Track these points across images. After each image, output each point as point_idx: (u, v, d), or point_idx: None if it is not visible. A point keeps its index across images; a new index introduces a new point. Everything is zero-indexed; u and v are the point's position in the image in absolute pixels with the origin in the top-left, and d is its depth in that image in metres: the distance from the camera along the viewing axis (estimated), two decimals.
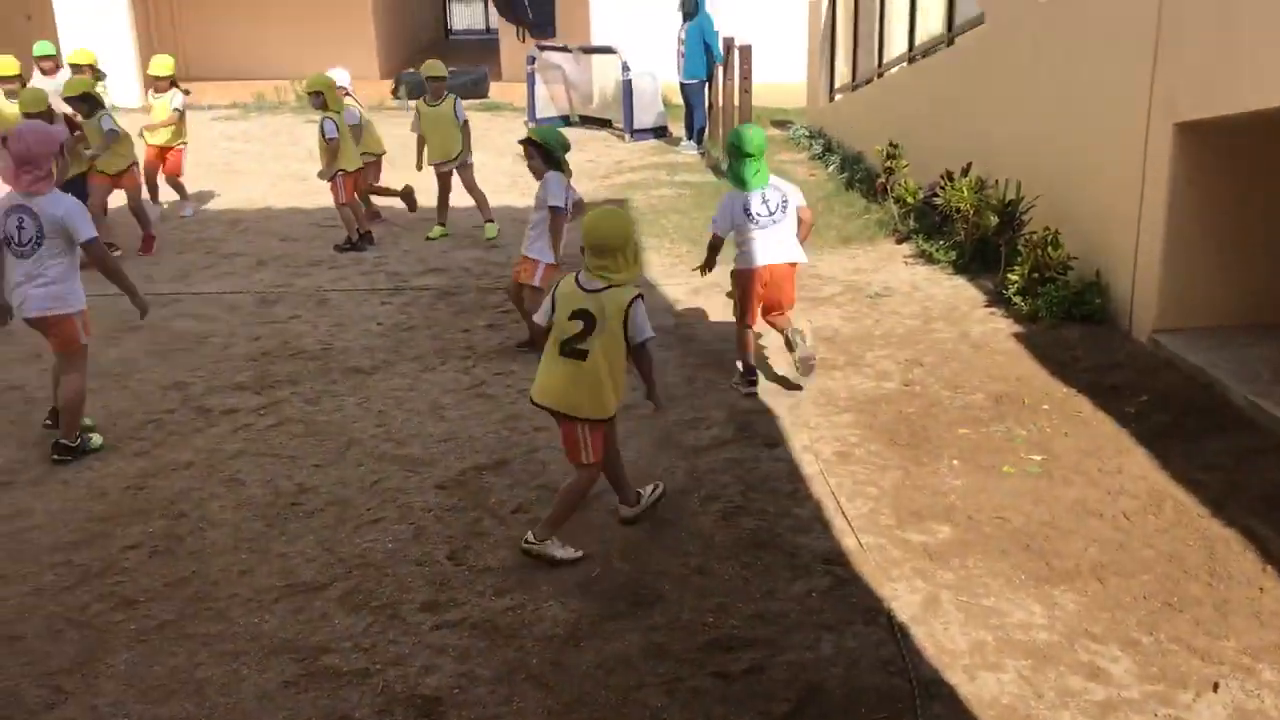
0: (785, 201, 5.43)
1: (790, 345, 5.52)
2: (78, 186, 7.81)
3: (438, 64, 8.72)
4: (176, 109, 9.23)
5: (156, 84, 9.23)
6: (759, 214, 5.39)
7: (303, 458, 4.95)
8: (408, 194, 9.27)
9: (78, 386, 5.00)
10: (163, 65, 9.24)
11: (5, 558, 4.12)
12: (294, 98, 15.81)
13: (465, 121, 8.59)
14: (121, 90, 15.87)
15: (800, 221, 5.50)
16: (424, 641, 3.58)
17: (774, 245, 5.40)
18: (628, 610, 3.73)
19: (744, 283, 5.51)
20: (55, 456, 4.94)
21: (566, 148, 6.18)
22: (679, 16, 12.52)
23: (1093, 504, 4.35)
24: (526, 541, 4.03)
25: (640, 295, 4.03)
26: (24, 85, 8.46)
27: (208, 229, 9.21)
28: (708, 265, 5.72)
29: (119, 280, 5.10)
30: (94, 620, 3.72)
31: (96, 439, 5.09)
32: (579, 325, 3.97)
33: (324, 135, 8.28)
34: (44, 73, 9.35)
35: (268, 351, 6.33)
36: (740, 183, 5.45)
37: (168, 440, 5.18)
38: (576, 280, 4.03)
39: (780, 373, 5.79)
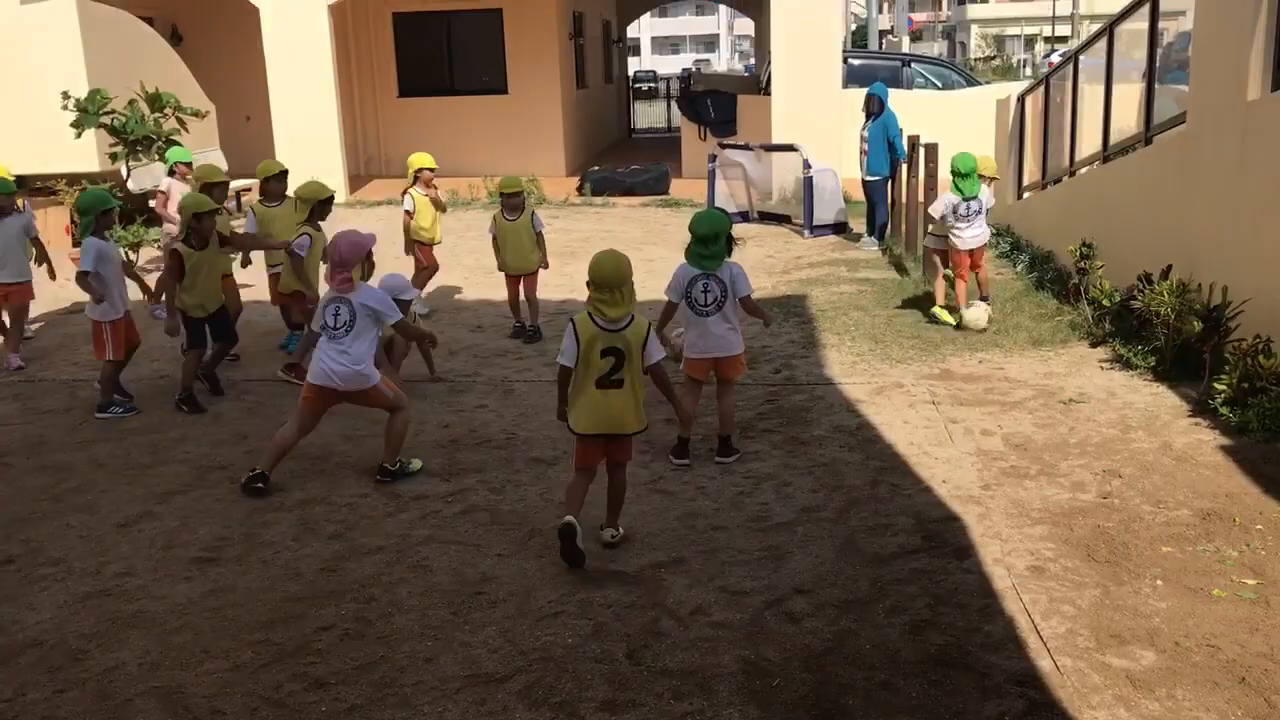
0: (980, 208, 8.66)
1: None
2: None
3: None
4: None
5: (421, 176, 9.39)
6: (961, 212, 8.58)
7: (487, 546, 5.05)
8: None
9: (405, 420, 5.94)
10: (426, 160, 9.63)
11: (209, 633, 4.32)
12: (485, 194, 16.48)
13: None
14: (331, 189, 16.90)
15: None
16: None
17: (972, 234, 8.66)
18: None
19: (957, 257, 8.72)
20: (379, 478, 5.85)
21: (696, 233, 5.84)
22: (860, 115, 12.59)
23: None
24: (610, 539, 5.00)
25: (652, 324, 4.90)
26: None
27: None
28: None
29: (424, 344, 6.71)
30: (288, 700, 3.84)
31: (416, 463, 6.02)
32: (611, 361, 4.74)
33: (535, 228, 8.67)
34: (182, 177, 9.77)
35: (456, 439, 6.52)
36: (956, 190, 8.55)
37: (360, 524, 5.36)
38: (594, 322, 4.73)
39: (970, 481, 5.62)
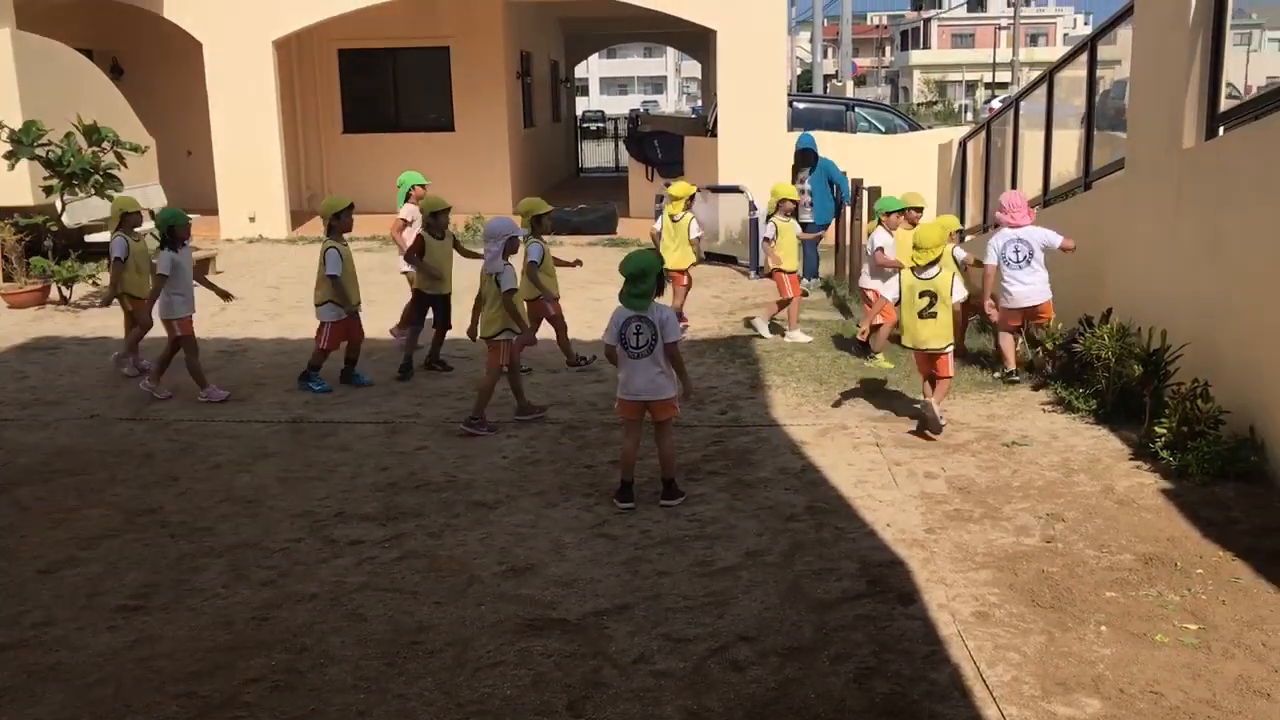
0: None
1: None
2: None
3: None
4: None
5: (783, 206, 9.85)
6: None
7: (424, 594, 4.91)
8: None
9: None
10: (790, 191, 9.97)
11: (132, 685, 4.14)
12: None
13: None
14: (272, 224, 16.73)
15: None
16: None
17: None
18: None
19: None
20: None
21: (624, 273, 5.87)
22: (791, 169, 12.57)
23: (1258, 682, 4.02)
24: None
25: (954, 273, 7.17)
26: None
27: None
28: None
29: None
30: None
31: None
32: (927, 300, 6.97)
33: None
34: (418, 200, 9.74)
35: (394, 482, 6.38)
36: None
37: (294, 570, 5.20)
38: (914, 273, 7.05)
39: (914, 525, 5.60)
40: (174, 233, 7.99)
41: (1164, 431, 6.22)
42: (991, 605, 4.69)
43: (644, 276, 5.81)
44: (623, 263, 5.90)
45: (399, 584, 5.02)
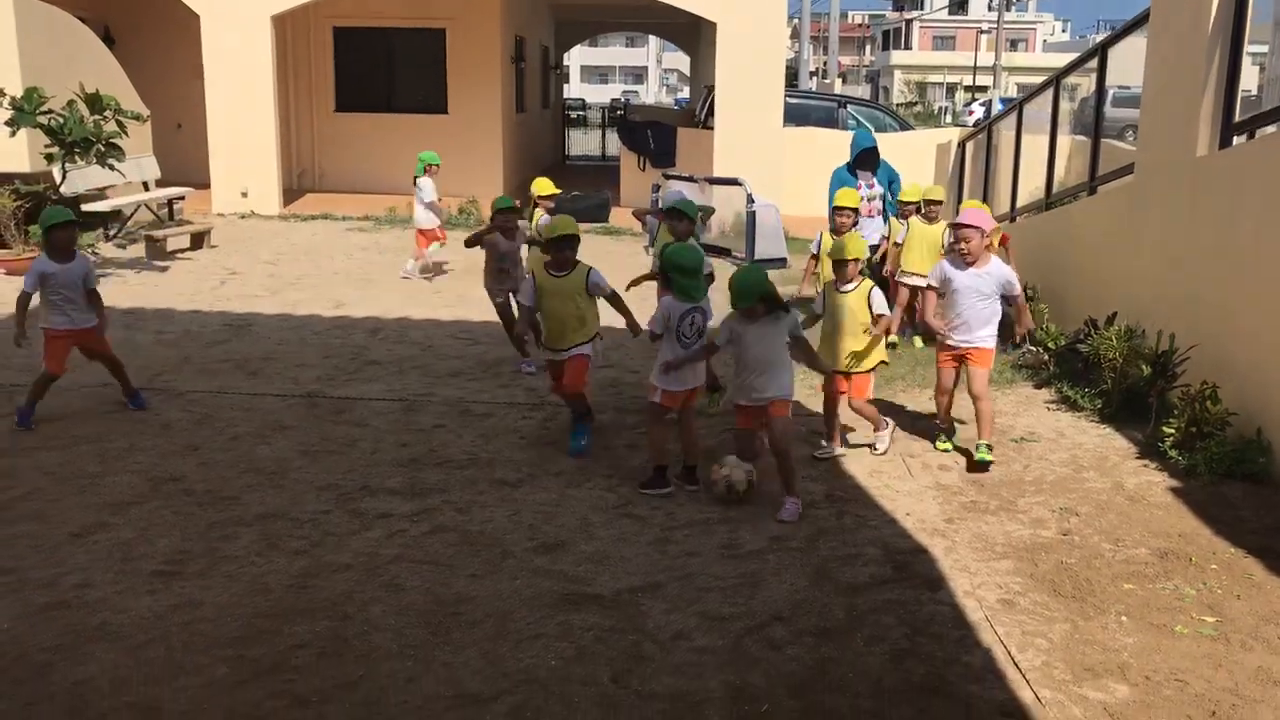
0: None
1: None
2: None
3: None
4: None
5: (542, 203, 9.42)
6: None
7: (459, 567, 4.98)
8: None
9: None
10: (546, 186, 9.56)
11: (181, 647, 4.19)
12: None
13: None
14: (265, 200, 16.66)
15: None
16: None
17: None
18: None
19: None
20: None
21: (685, 269, 5.92)
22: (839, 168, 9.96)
23: (1277, 673, 4.16)
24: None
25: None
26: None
27: (351, 335, 9.48)
28: None
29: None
30: (269, 717, 3.75)
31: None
32: None
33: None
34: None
35: (416, 459, 6.43)
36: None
37: (325, 541, 5.26)
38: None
39: (933, 515, 5.72)
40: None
41: (1172, 431, 6.37)
42: (1015, 594, 4.82)
43: (700, 269, 6.01)
44: (678, 254, 5.99)
45: (433, 557, 5.09)
